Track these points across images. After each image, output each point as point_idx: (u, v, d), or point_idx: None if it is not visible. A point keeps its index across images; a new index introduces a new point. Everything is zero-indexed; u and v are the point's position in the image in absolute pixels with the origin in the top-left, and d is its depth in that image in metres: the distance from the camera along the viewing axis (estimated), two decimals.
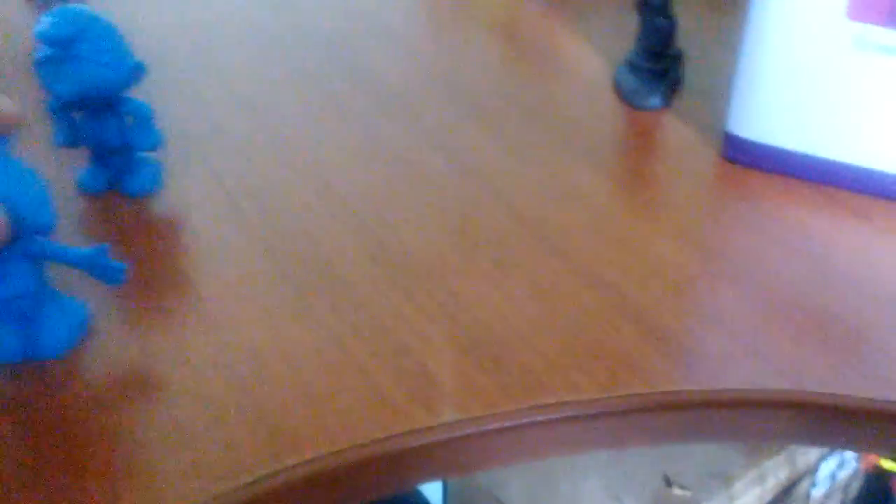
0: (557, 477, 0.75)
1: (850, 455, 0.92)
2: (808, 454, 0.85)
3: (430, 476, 0.35)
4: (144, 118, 0.45)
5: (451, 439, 0.34)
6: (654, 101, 0.54)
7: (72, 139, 0.45)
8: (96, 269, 0.37)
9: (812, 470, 0.86)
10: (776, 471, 0.82)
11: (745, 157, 0.48)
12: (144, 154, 0.47)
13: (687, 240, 0.43)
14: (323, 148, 0.50)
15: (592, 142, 0.51)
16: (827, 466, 0.89)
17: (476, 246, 0.43)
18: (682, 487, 0.76)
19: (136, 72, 0.43)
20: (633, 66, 0.56)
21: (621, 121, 0.54)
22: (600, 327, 0.38)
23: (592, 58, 0.60)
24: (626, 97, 0.55)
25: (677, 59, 0.56)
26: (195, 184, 0.48)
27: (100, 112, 0.44)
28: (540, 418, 0.34)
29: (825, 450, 0.87)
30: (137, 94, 0.45)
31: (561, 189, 0.47)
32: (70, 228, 0.45)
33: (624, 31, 0.61)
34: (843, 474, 0.94)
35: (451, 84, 0.56)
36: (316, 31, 0.62)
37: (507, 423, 0.34)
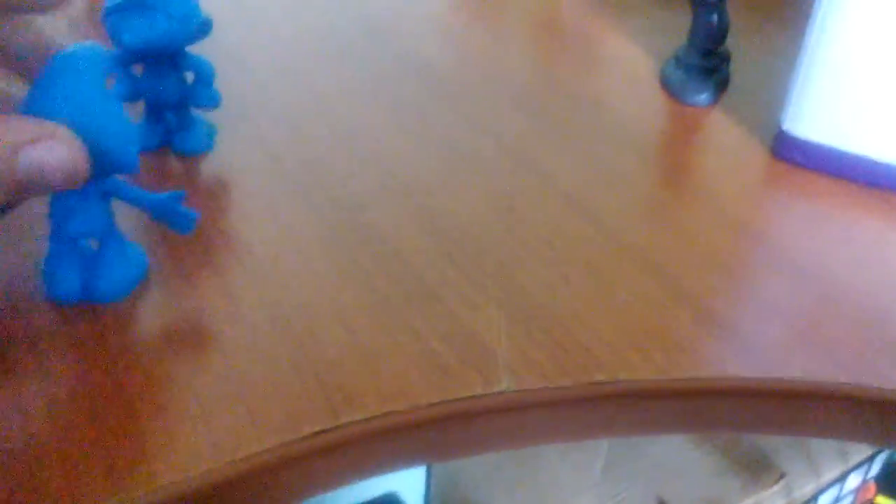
0: (547, 495, 0.74)
1: (847, 489, 0.92)
2: (804, 487, 0.85)
3: (484, 446, 0.35)
4: (205, 76, 0.45)
5: (511, 408, 0.34)
6: (703, 97, 0.54)
7: (131, 92, 0.45)
8: (169, 214, 0.37)
9: (808, 502, 0.86)
10: (773, 501, 0.81)
11: (799, 157, 0.48)
12: (198, 113, 0.47)
13: (740, 232, 0.43)
14: (369, 122, 0.50)
15: (639, 134, 0.51)
16: (824, 500, 0.89)
17: (526, 225, 0.43)
18: None
19: (203, 28, 0.43)
20: (681, 62, 0.56)
21: (668, 115, 0.54)
22: (655, 311, 0.38)
23: (636, 52, 0.60)
24: (673, 92, 0.55)
25: (726, 57, 0.56)
26: (244, 147, 0.48)
27: (161, 66, 0.44)
28: (600, 394, 0.34)
29: (822, 483, 0.86)
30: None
31: (610, 177, 0.47)
32: None
33: (666, 26, 0.61)
34: None
35: (497, 74, 0.56)
36: (361, 15, 0.62)
37: (567, 397, 0.34)
